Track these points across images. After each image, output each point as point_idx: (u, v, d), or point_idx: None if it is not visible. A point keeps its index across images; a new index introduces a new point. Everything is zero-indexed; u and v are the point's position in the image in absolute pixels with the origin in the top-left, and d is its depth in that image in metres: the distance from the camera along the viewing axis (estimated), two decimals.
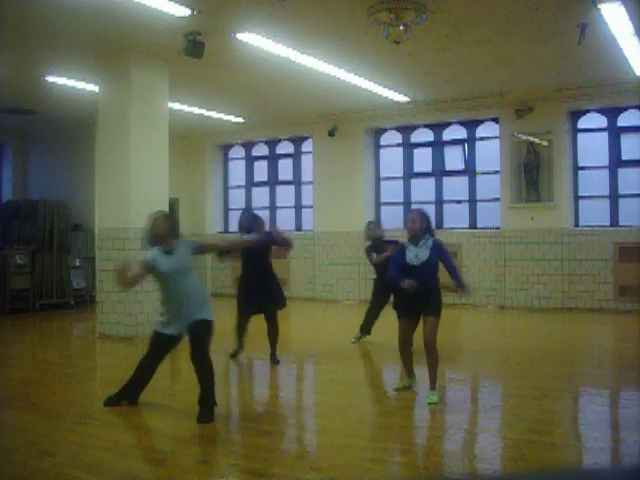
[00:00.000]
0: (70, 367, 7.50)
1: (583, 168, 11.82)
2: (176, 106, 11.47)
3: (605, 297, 11.21)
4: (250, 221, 7.14)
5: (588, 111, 11.64)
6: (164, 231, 5.06)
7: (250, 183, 15.33)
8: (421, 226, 5.51)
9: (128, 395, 5.39)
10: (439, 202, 12.96)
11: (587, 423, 5.09)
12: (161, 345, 5.27)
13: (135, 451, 4.39)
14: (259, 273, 7.05)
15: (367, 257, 8.10)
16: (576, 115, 11.75)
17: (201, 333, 5.07)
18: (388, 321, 11.24)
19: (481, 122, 12.53)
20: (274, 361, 7.12)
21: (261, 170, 15.18)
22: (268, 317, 7.14)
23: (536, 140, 11.66)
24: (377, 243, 7.98)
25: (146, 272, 5.02)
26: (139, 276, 5.01)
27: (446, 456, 4.40)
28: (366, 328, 8.35)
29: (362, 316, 8.42)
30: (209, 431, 4.84)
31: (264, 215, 7.66)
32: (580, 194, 11.84)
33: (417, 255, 5.44)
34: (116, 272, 5.02)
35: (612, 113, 11.42)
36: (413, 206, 13.17)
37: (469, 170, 12.69)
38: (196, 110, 12.31)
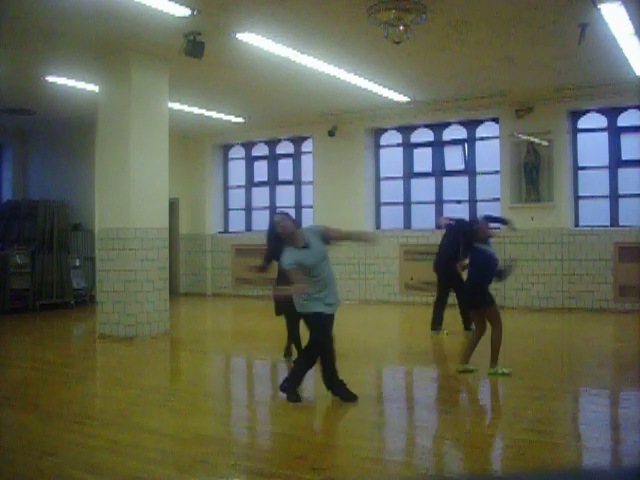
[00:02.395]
0: (70, 367, 7.50)
1: (583, 168, 11.82)
2: (176, 106, 11.47)
3: (605, 297, 11.21)
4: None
5: (588, 111, 11.64)
6: (292, 229, 5.33)
7: (250, 183, 15.34)
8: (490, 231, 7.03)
9: (330, 380, 5.66)
10: (439, 202, 12.95)
11: (587, 423, 5.09)
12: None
13: (135, 451, 4.38)
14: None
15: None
16: (576, 115, 11.75)
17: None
18: (388, 322, 11.24)
19: (481, 122, 12.53)
20: (287, 353, 7.23)
21: (261, 170, 15.18)
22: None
23: (536, 140, 11.66)
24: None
25: (300, 272, 5.23)
26: (300, 279, 5.19)
27: (446, 456, 4.40)
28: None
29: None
30: (209, 431, 4.84)
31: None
32: (580, 194, 11.84)
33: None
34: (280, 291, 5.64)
35: (612, 113, 11.42)
36: (413, 206, 13.25)
37: (469, 170, 12.70)
38: (196, 110, 12.30)
